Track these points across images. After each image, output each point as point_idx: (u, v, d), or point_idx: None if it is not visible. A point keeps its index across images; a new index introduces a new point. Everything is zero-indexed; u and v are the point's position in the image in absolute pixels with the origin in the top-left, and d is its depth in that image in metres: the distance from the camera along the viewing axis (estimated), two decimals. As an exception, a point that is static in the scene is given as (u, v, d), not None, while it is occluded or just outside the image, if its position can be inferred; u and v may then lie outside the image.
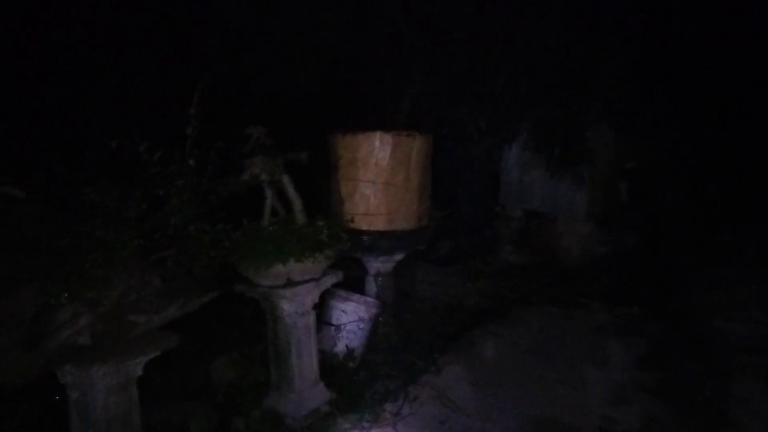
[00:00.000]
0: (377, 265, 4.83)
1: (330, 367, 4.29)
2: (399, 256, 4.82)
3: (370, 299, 4.60)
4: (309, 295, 3.86)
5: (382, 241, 4.57)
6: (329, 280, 3.96)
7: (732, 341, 5.13)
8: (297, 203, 3.87)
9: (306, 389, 3.92)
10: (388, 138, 4.45)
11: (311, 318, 3.95)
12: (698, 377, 4.51)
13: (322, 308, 4.50)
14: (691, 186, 8.44)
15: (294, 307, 3.79)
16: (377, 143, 4.46)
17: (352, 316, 4.42)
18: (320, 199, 4.73)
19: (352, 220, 4.55)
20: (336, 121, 6.60)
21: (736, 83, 8.42)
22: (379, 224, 4.57)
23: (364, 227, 4.56)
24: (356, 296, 4.59)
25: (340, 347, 4.42)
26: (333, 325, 4.45)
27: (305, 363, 3.92)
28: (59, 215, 2.65)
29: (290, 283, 3.71)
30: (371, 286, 4.90)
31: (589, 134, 6.74)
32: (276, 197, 3.92)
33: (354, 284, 5.01)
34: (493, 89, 6.87)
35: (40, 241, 2.54)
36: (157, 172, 2.93)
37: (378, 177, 4.49)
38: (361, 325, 4.44)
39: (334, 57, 7.69)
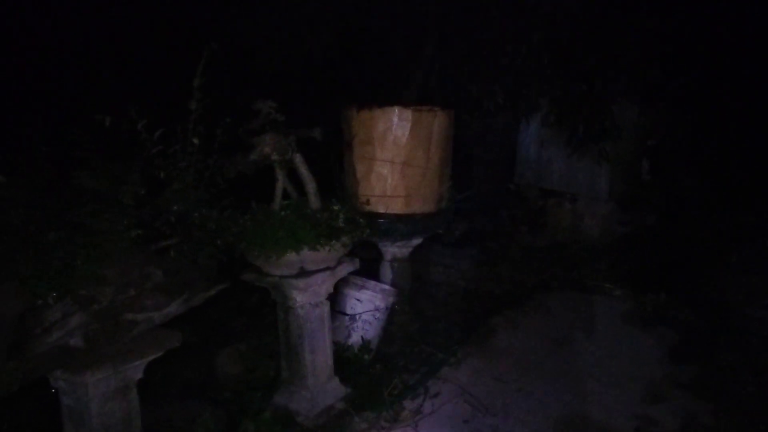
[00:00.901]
0: (393, 250, 4.52)
1: (344, 361, 4.01)
2: (417, 241, 4.52)
3: (386, 287, 4.30)
4: (323, 285, 3.56)
5: (400, 226, 4.25)
6: (345, 269, 3.66)
7: (770, 331, 4.84)
8: (311, 185, 3.54)
9: (319, 385, 3.64)
10: (407, 114, 4.10)
11: (326, 309, 3.66)
12: (737, 371, 4.22)
13: (335, 297, 4.20)
14: (715, 164, 8.07)
15: (307, 297, 3.50)
16: (395, 119, 4.11)
17: (367, 305, 4.12)
18: (334, 180, 4.40)
19: (368, 203, 4.23)
20: (350, 95, 6.26)
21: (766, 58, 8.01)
22: (397, 207, 4.25)
23: (381, 210, 4.24)
24: (372, 284, 4.29)
25: (355, 338, 4.13)
26: (347, 314, 4.16)
27: (319, 357, 3.64)
28: (45, 202, 2.32)
29: (303, 273, 3.41)
30: (387, 272, 4.60)
31: (614, 109, 6.35)
32: (287, 179, 3.60)
33: (368, 269, 4.71)
34: (512, 61, 6.49)
35: (24, 232, 2.22)
36: (157, 152, 2.59)
37: (396, 156, 4.15)
38: (377, 315, 4.15)
39: (343, 27, 7.31)
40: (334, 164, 4.37)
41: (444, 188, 4.44)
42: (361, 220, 3.62)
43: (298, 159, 3.50)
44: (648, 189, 7.73)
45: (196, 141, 2.74)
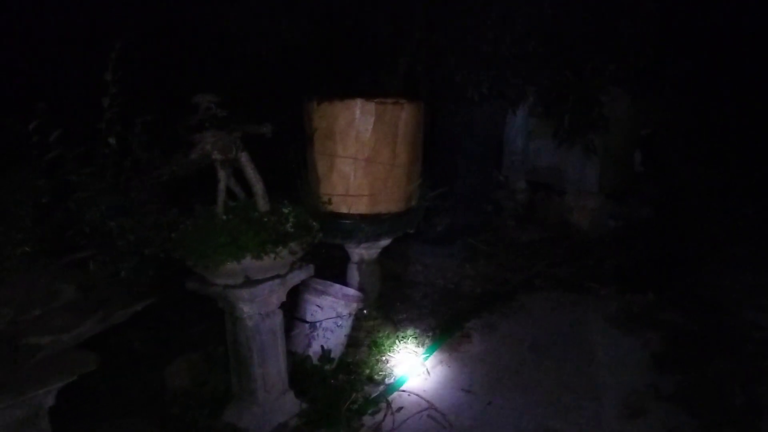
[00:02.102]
0: (360, 251, 4.24)
1: (302, 372, 3.75)
2: (385, 242, 4.23)
3: (350, 292, 4.02)
4: (273, 295, 3.28)
5: (365, 226, 3.97)
6: (298, 277, 3.38)
7: (765, 336, 4.55)
8: (258, 186, 3.26)
9: (271, 401, 3.38)
10: (370, 107, 3.80)
11: (278, 319, 3.39)
12: (725, 381, 3.95)
13: (294, 302, 3.93)
14: (712, 155, 7.76)
15: (255, 308, 3.23)
16: (358, 113, 3.81)
17: (329, 312, 3.85)
18: (295, 178, 4.12)
19: (329, 202, 3.95)
20: (314, 86, 5.95)
21: (764, 42, 7.67)
22: (361, 207, 3.96)
23: (344, 210, 3.96)
24: (334, 288, 4.01)
25: (315, 347, 3.87)
26: (307, 322, 3.88)
27: (271, 371, 3.37)
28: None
29: (249, 282, 3.13)
30: (354, 274, 4.32)
31: (604, 99, 6.04)
32: (234, 179, 3.32)
33: (339, 269, 4.45)
34: (498, 48, 6.16)
35: None
36: (57, 155, 2.31)
37: (359, 152, 3.86)
38: (340, 322, 3.88)
39: (323, 10, 6.98)
40: (294, 161, 4.08)
41: (413, 186, 4.15)
42: (314, 223, 3.34)
43: (244, 158, 3.22)
44: (641, 181, 7.44)
45: (112, 141, 2.46)
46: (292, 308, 3.95)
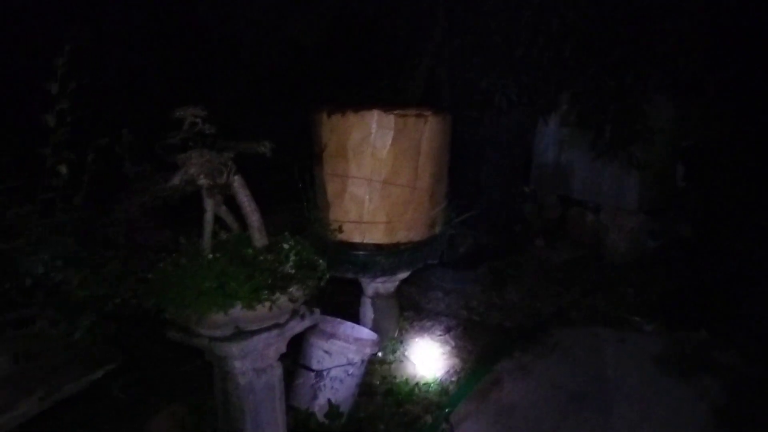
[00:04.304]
0: (375, 285, 3.70)
1: (307, 431, 3.20)
2: (403, 275, 3.68)
3: (363, 335, 3.46)
4: (271, 347, 2.74)
5: (381, 259, 3.42)
6: (300, 325, 2.83)
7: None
8: (253, 218, 2.71)
9: (267, 471, 2.84)
10: (389, 119, 3.25)
11: (276, 373, 2.84)
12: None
13: (299, 347, 3.38)
14: (761, 167, 7.08)
15: (248, 363, 2.68)
16: (374, 126, 3.26)
17: (338, 358, 3.30)
18: (304, 201, 3.58)
19: (340, 230, 3.40)
20: (327, 92, 5.41)
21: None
22: (377, 235, 3.42)
23: (357, 239, 3.42)
24: (344, 329, 3.45)
25: (321, 400, 3.31)
26: (313, 370, 3.33)
27: (267, 435, 2.83)
28: None
29: (240, 334, 2.58)
30: (367, 310, 3.78)
31: (648, 108, 5.42)
32: (227, 207, 2.79)
33: (351, 295, 3.92)
34: (529, 51, 5.58)
35: None
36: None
37: (375, 173, 3.31)
38: (351, 370, 3.32)
39: (338, 10, 6.45)
40: (301, 179, 3.54)
41: (437, 210, 3.59)
42: (320, 261, 2.78)
43: (238, 182, 2.67)
44: (683, 197, 6.79)
45: (63, 170, 1.92)
46: (296, 353, 3.40)
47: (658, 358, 4.32)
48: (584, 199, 6.44)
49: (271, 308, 2.50)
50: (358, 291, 3.99)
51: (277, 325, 2.70)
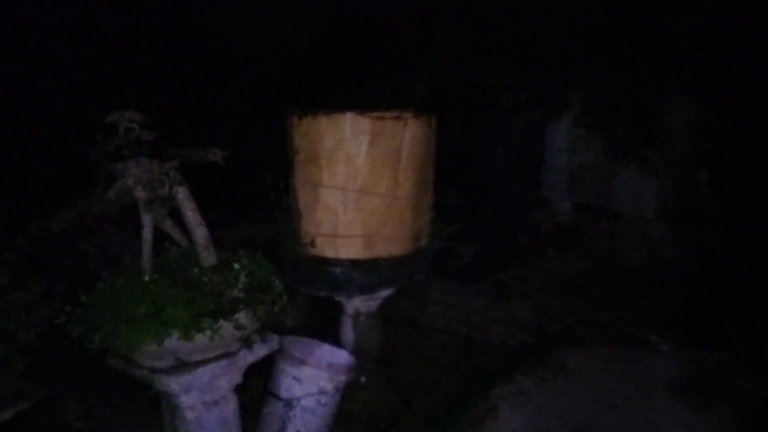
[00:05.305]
0: (356, 303, 3.38)
1: (271, 468, 2.90)
2: (385, 293, 3.35)
3: (338, 359, 3.14)
4: (221, 378, 2.45)
5: (357, 275, 3.10)
6: (255, 354, 2.54)
7: None
8: (199, 232, 2.42)
9: None
10: (364, 123, 2.94)
11: (230, 407, 2.56)
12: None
13: (268, 373, 3.08)
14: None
15: (195, 397, 2.39)
16: (348, 130, 2.95)
17: (309, 386, 2.98)
18: (276, 212, 3.29)
19: (312, 244, 3.09)
20: (323, 96, 5.14)
21: None
22: (353, 250, 3.10)
23: (330, 254, 3.10)
24: (318, 353, 3.14)
25: (291, 432, 3.00)
26: (281, 399, 3.02)
27: (221, 476, 2.53)
28: None
29: (182, 366, 2.30)
30: (348, 330, 3.46)
31: (665, 108, 5.03)
32: (174, 221, 2.51)
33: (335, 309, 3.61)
34: (538, 49, 5.22)
35: None
36: None
37: (349, 181, 3.00)
38: (323, 400, 3.00)
39: (336, 8, 6.16)
40: (274, 188, 3.25)
41: (422, 222, 3.26)
42: (277, 282, 2.48)
43: (182, 195, 2.39)
44: (707, 203, 6.34)
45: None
46: (266, 380, 3.10)
47: (673, 383, 3.92)
48: (599, 205, 6.05)
49: (212, 338, 2.20)
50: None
51: (227, 354, 2.41)
